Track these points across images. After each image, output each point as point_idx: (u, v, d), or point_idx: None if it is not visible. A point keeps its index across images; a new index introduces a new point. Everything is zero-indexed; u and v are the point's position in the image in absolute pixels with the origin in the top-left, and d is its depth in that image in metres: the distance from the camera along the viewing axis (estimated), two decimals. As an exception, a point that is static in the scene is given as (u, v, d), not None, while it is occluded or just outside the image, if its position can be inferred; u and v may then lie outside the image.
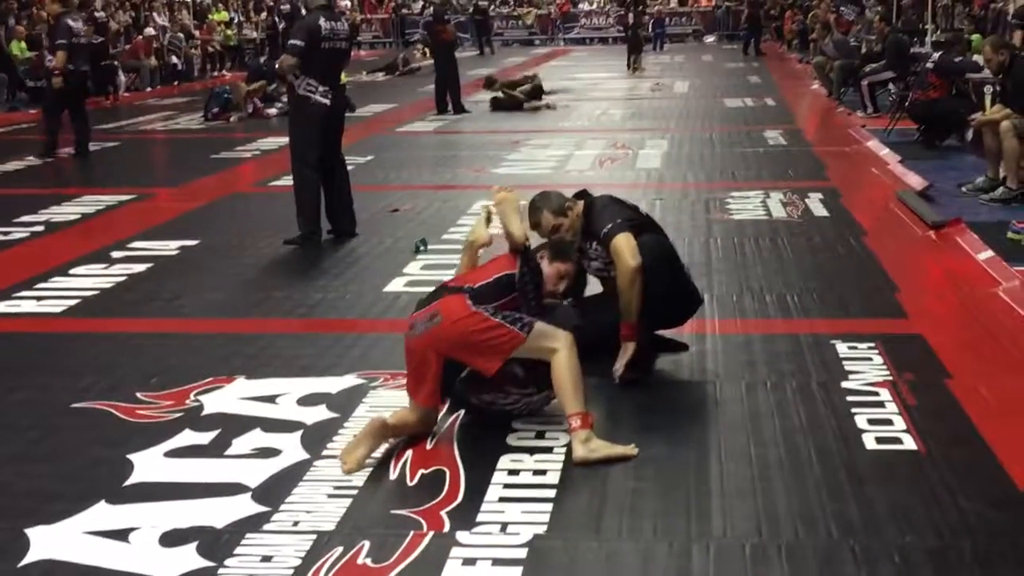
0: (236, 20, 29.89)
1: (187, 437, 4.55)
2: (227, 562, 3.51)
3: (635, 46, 25.44)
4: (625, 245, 4.89)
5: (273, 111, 16.78)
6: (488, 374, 4.35)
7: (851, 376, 5.05)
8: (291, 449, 4.39)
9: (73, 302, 6.70)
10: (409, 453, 4.30)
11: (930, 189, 9.33)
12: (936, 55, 12.24)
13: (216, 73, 26.03)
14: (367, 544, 3.58)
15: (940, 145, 11.96)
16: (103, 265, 7.58)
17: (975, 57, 12.85)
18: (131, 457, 4.34)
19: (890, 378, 5.00)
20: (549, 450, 4.25)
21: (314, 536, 3.66)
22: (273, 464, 4.26)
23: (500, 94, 17.49)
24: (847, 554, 3.48)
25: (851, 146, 12.51)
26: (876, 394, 4.82)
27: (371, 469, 4.17)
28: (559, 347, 4.26)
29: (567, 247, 4.85)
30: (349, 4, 32.96)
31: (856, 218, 8.58)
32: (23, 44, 20.71)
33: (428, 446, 4.38)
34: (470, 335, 4.27)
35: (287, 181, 8.73)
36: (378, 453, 4.26)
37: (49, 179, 12.05)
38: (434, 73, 17.56)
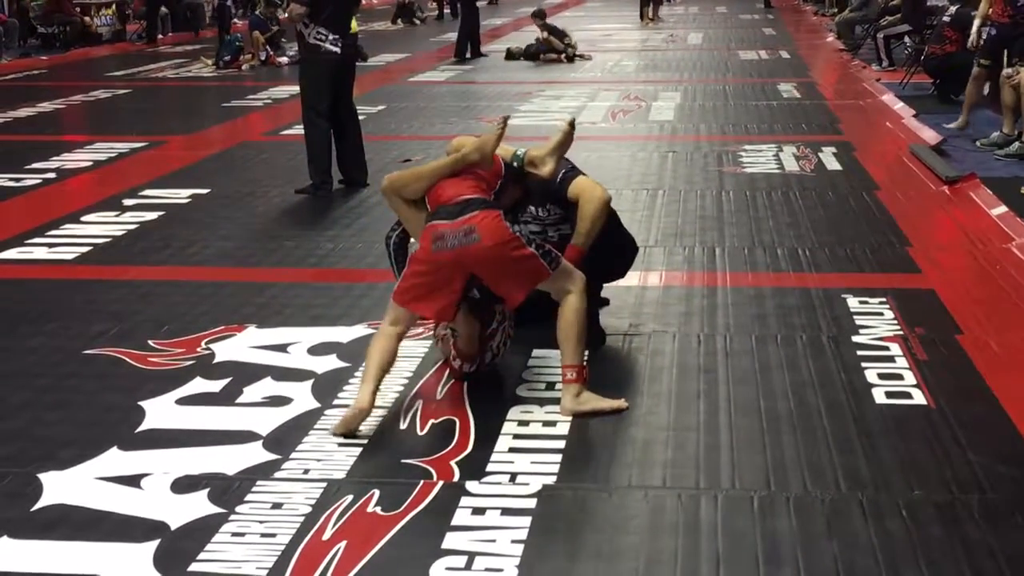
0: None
1: (198, 385, 4.57)
2: (238, 509, 3.54)
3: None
4: (590, 181, 4.77)
5: (284, 60, 16.70)
6: (511, 305, 4.32)
7: (862, 330, 5.04)
8: (302, 398, 4.41)
9: (85, 249, 6.71)
10: (419, 403, 4.32)
11: (944, 144, 9.28)
12: (953, 8, 12.11)
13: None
14: (377, 492, 3.61)
15: (955, 99, 11.85)
16: (115, 213, 7.59)
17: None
18: (143, 404, 4.37)
19: (901, 333, 5.00)
20: (559, 401, 4.25)
21: (324, 484, 3.68)
22: (284, 412, 4.28)
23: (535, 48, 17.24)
24: (855, 507, 3.49)
25: (865, 100, 12.42)
26: (887, 349, 4.82)
27: (381, 419, 4.18)
28: (573, 290, 4.21)
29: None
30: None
31: (869, 172, 8.53)
32: (37, -10, 20.60)
33: (438, 396, 4.40)
34: (507, 261, 4.11)
35: (298, 130, 8.71)
36: (388, 403, 4.28)
37: (61, 126, 12.04)
38: (456, 22, 17.79)
